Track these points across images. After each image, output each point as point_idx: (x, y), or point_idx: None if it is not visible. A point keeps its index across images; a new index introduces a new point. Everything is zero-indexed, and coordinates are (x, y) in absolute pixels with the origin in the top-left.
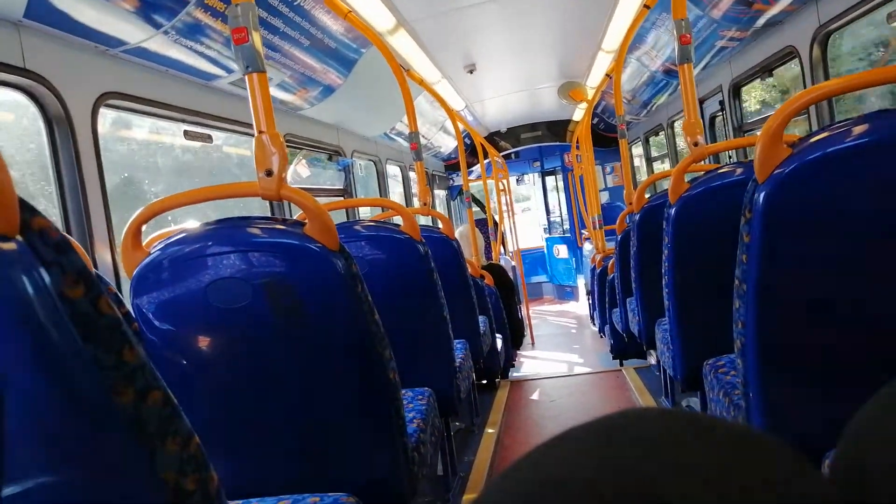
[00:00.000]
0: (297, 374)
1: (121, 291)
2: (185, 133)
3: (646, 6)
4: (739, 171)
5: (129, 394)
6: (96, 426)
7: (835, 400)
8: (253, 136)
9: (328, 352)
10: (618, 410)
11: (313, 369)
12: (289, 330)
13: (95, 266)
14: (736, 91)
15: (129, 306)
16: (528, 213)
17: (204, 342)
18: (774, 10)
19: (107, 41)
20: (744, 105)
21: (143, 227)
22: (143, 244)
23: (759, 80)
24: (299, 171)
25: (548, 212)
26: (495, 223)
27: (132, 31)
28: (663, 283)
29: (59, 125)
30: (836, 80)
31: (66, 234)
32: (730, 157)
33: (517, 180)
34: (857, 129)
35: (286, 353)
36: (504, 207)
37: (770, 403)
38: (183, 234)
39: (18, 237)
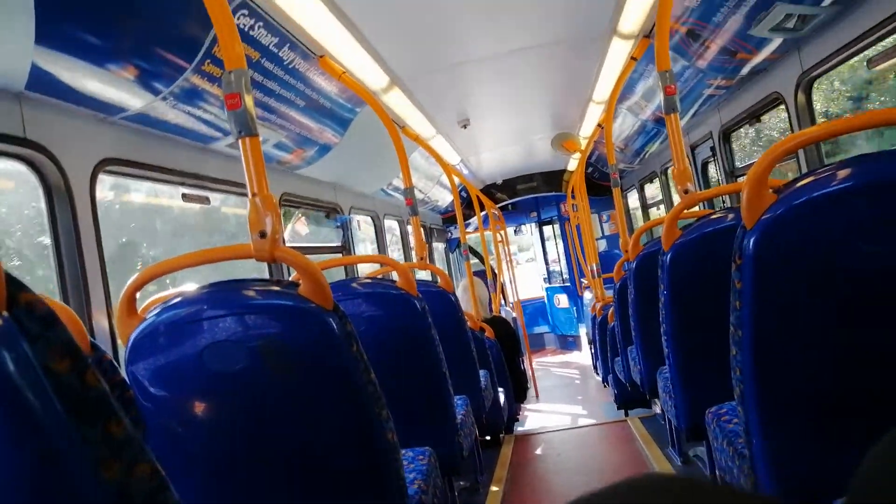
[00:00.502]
0: (294, 436)
1: (118, 358)
2: (184, 196)
3: (633, 58)
4: (731, 216)
5: (116, 468)
6: (81, 501)
7: (839, 447)
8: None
9: (325, 413)
10: (621, 481)
11: (310, 431)
12: (284, 392)
13: (92, 334)
14: (726, 137)
15: (124, 373)
16: (532, 263)
17: (199, 407)
18: (758, 59)
19: (106, 108)
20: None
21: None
22: (140, 309)
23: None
24: (298, 230)
25: (546, 261)
26: (494, 274)
27: (131, 98)
28: (661, 330)
29: (57, 192)
30: (819, 126)
31: (62, 303)
32: (723, 202)
33: (514, 231)
34: (841, 174)
35: (282, 416)
36: (503, 258)
37: (774, 452)
38: (178, 299)
39: (4, 313)
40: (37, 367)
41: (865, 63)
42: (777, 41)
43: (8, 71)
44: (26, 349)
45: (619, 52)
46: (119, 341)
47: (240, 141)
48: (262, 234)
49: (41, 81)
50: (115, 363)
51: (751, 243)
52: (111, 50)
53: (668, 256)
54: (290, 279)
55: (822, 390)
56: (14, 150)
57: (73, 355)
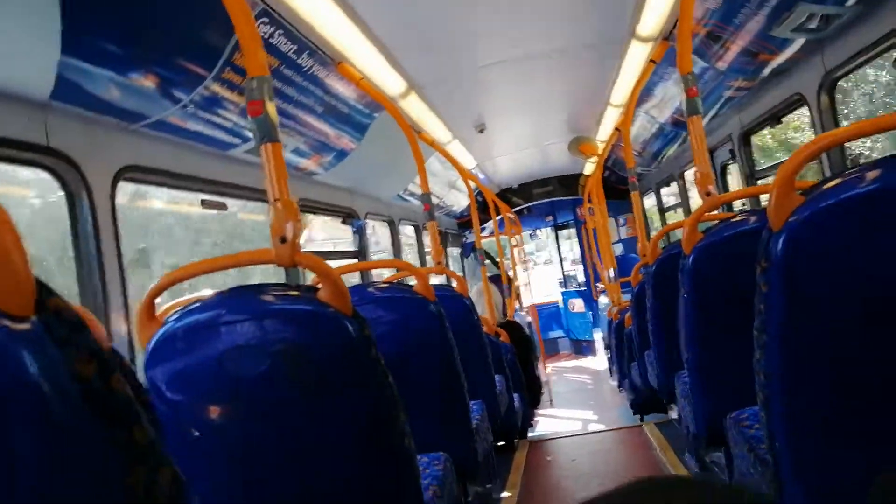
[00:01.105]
0: (312, 440)
1: (135, 362)
2: (203, 202)
3: (652, 61)
4: (753, 219)
5: (140, 473)
6: None
7: (868, 453)
8: (267, 202)
9: (342, 417)
10: (629, 483)
11: (327, 435)
12: (303, 396)
13: (111, 339)
14: (746, 139)
15: (142, 377)
16: (549, 266)
17: (218, 412)
18: (780, 59)
19: (128, 117)
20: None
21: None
22: (159, 314)
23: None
24: (313, 236)
25: (562, 266)
26: (509, 279)
27: (152, 107)
28: (681, 334)
29: (79, 199)
30: (845, 128)
31: (82, 307)
32: (743, 205)
33: (530, 235)
34: (870, 175)
35: (300, 420)
36: (518, 262)
37: (799, 458)
38: (197, 304)
39: (33, 317)
40: (65, 372)
41: (893, 63)
42: (799, 41)
43: (34, 81)
44: (55, 354)
45: (637, 56)
46: (137, 346)
47: (262, 147)
48: (283, 240)
49: (65, 90)
50: (133, 368)
51: (778, 245)
52: (134, 59)
53: (690, 259)
54: (309, 283)
55: (850, 395)
56: (38, 158)
57: (100, 360)
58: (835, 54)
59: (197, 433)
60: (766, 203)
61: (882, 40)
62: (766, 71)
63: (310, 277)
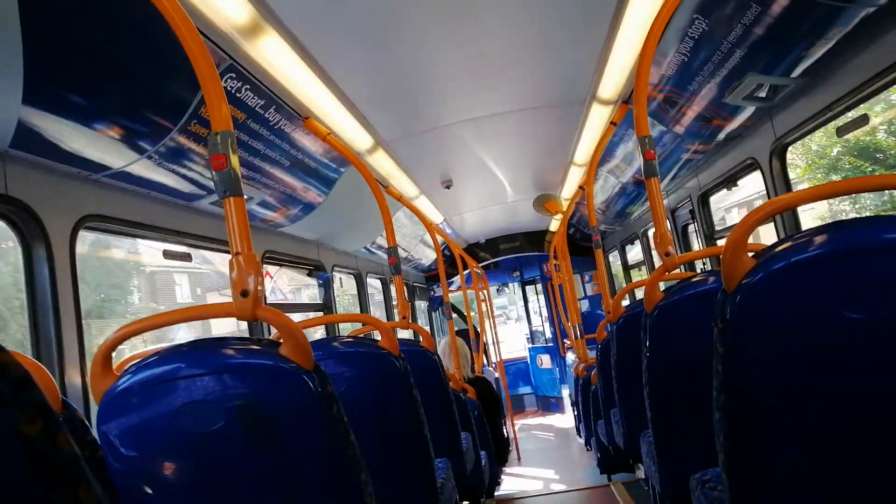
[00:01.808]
0: (269, 498)
1: (90, 416)
2: (165, 252)
3: (612, 123)
4: (711, 279)
5: None
6: None
7: None
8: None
9: (302, 476)
10: None
11: (286, 493)
12: (261, 454)
13: (64, 392)
14: (704, 200)
15: (95, 433)
16: (518, 322)
17: (172, 469)
18: (733, 126)
19: (90, 167)
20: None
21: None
22: (115, 366)
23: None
24: (280, 287)
25: (529, 321)
26: (477, 333)
27: (115, 157)
28: (644, 393)
29: (36, 248)
30: (794, 193)
31: (34, 359)
32: (703, 264)
33: (497, 290)
34: (818, 239)
35: (258, 479)
36: (486, 317)
37: None
38: (155, 357)
39: None
40: (8, 431)
41: (836, 131)
42: (751, 109)
43: None
44: None
45: (598, 117)
46: (92, 400)
47: (224, 201)
48: (245, 293)
49: (25, 139)
50: (87, 422)
51: (732, 307)
52: (98, 110)
53: (651, 318)
54: (271, 337)
55: (807, 459)
56: None
57: (46, 418)
58: (784, 122)
59: (150, 490)
60: (721, 266)
61: (825, 110)
62: (721, 136)
63: (274, 330)
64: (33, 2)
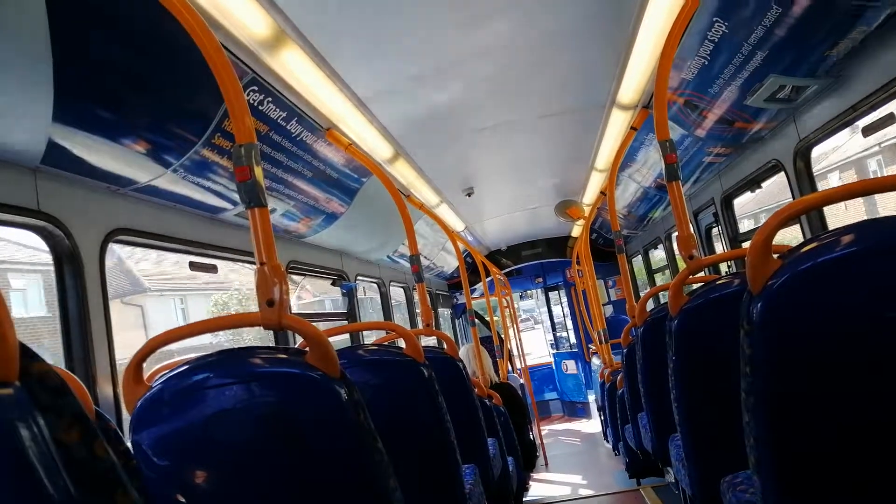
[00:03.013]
0: None
1: (122, 426)
2: (191, 265)
3: (633, 128)
4: (737, 281)
5: None
6: None
7: None
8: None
9: (330, 483)
10: None
11: (316, 500)
12: (290, 461)
13: (96, 402)
14: (728, 203)
15: (128, 442)
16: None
17: (203, 477)
18: (756, 128)
19: (117, 181)
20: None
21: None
22: (146, 377)
23: None
24: (303, 296)
25: (553, 327)
26: (501, 340)
27: (142, 171)
28: (672, 396)
29: (67, 261)
30: (819, 193)
31: (68, 370)
32: (728, 267)
33: (521, 296)
34: (845, 239)
35: (287, 486)
36: (509, 324)
37: None
38: (185, 366)
39: (17, 383)
40: (47, 439)
41: (862, 132)
42: (773, 110)
43: (26, 147)
44: (38, 420)
45: (619, 122)
46: (124, 410)
47: (249, 212)
48: (271, 303)
49: (56, 156)
50: (120, 432)
51: (758, 309)
52: (125, 125)
53: (675, 322)
54: (297, 346)
55: (837, 458)
56: (28, 221)
57: (83, 426)
58: (808, 122)
59: (182, 498)
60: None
61: (850, 110)
62: (744, 138)
63: (300, 339)
64: (62, 22)
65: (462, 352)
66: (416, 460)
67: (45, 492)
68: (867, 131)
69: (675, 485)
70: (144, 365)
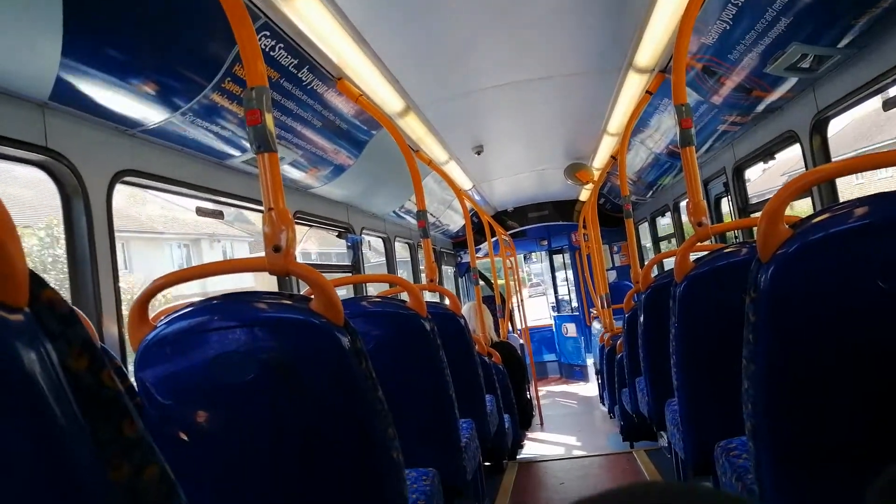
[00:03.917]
0: (298, 450)
1: (126, 366)
2: (198, 209)
3: (648, 92)
4: (744, 250)
5: (125, 469)
6: (90, 501)
7: (853, 486)
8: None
9: (331, 428)
10: (624, 484)
11: (315, 446)
12: (292, 405)
13: (102, 339)
14: (739, 173)
15: (132, 380)
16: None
17: (205, 417)
18: (773, 97)
19: (126, 122)
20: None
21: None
22: (151, 318)
23: None
24: (307, 248)
25: (556, 290)
26: (503, 300)
27: (151, 113)
28: (671, 362)
29: (75, 200)
30: (834, 164)
31: (74, 307)
32: (735, 237)
33: (525, 258)
34: (859, 211)
35: (288, 429)
36: (512, 284)
37: (785, 489)
38: (189, 308)
39: (26, 309)
40: (56, 365)
41: (883, 105)
42: (792, 80)
43: (34, 81)
44: (47, 346)
45: (634, 86)
46: (129, 349)
47: (258, 157)
48: (277, 248)
49: (65, 93)
50: (124, 370)
51: (766, 277)
52: (134, 65)
53: (681, 288)
54: (302, 294)
55: (836, 429)
56: (35, 157)
57: (91, 354)
58: (827, 94)
59: (185, 437)
60: (756, 235)
61: (872, 82)
62: (760, 107)
63: (304, 289)
64: None
65: (465, 309)
66: (415, 412)
67: (55, 417)
68: (888, 105)
69: (667, 448)
70: (150, 307)
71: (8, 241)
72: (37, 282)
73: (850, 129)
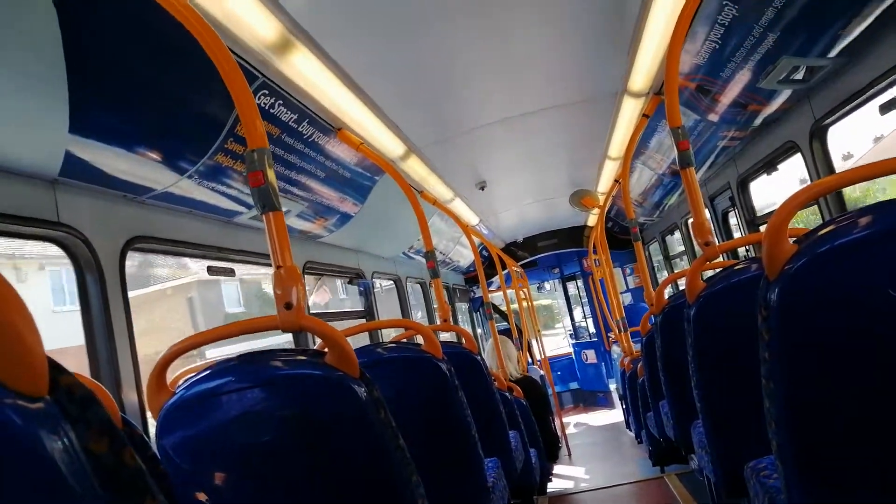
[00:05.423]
0: None
1: (148, 432)
2: (209, 269)
3: (645, 115)
4: (755, 266)
5: None
6: None
7: (883, 501)
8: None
9: (354, 481)
10: None
11: (340, 500)
12: (313, 461)
13: (122, 409)
14: (743, 186)
15: (154, 448)
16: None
17: (228, 479)
18: (770, 110)
19: (135, 189)
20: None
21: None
22: (169, 382)
23: None
24: (318, 301)
25: (572, 317)
26: (520, 332)
27: (158, 179)
28: (692, 383)
29: (88, 271)
30: (840, 174)
31: (93, 379)
32: (747, 251)
33: (538, 288)
34: (863, 221)
35: (309, 486)
36: (526, 316)
37: None
38: (207, 371)
39: (47, 396)
40: (77, 449)
41: (880, 109)
42: (787, 92)
43: (44, 160)
44: (68, 431)
45: (631, 110)
46: (149, 416)
47: (263, 216)
48: (288, 306)
49: (74, 167)
50: (146, 438)
51: (775, 294)
52: (139, 134)
53: (694, 309)
54: (316, 347)
55: (860, 442)
56: (48, 233)
57: (111, 435)
58: (823, 102)
59: (207, 500)
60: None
61: (867, 88)
62: (758, 121)
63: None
64: (74, 34)
65: (487, 349)
66: (438, 456)
67: (78, 500)
68: (884, 109)
69: (699, 471)
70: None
71: (25, 333)
72: (55, 368)
73: None
